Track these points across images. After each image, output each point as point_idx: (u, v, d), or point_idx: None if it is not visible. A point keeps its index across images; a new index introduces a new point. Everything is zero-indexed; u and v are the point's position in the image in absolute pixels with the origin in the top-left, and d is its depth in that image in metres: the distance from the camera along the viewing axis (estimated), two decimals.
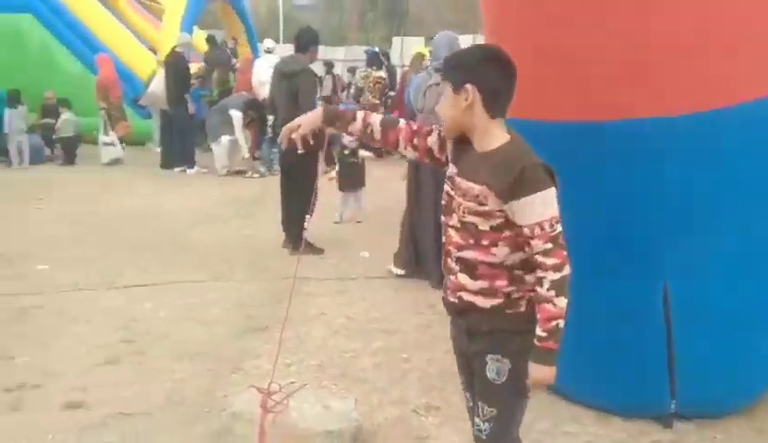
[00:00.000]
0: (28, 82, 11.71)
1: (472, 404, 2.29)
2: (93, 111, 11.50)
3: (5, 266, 5.73)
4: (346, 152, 7.59)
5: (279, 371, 3.22)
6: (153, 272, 5.63)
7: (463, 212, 2.08)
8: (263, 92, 10.57)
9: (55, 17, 13.09)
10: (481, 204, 2.03)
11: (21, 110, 10.90)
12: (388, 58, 14.40)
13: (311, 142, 2.31)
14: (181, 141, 10.80)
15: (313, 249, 6.09)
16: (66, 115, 11.37)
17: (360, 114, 2.32)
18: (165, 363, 3.96)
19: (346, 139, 7.70)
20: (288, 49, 10.14)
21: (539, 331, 2.00)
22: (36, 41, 13.07)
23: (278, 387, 2.96)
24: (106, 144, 11.29)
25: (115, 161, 11.23)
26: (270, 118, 10.27)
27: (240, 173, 10.57)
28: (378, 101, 12.04)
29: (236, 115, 10.21)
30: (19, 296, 4.98)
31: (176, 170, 10.73)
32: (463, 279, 2.11)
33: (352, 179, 7.54)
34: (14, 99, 10.75)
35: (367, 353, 4.12)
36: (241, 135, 10.28)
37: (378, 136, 2.31)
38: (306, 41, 6.27)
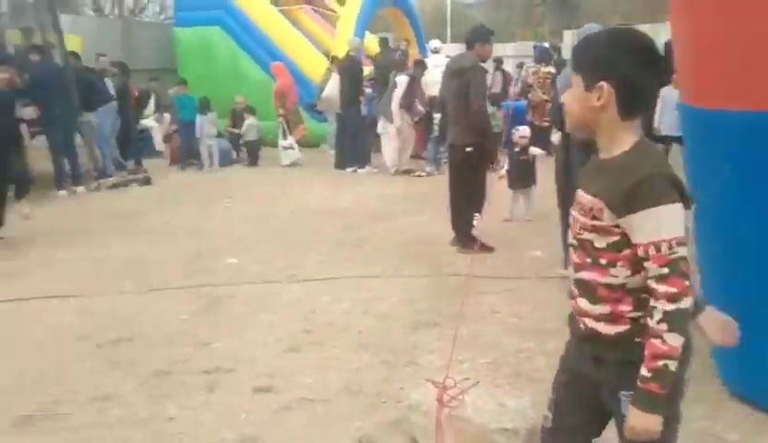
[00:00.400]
0: (217, 90, 12.66)
1: (551, 426, 2.09)
2: (274, 115, 12.23)
3: (198, 260, 6.26)
4: (516, 150, 7.51)
5: (452, 367, 3.26)
6: (329, 267, 5.90)
7: (579, 229, 1.86)
8: (432, 91, 10.74)
9: (241, 29, 14.05)
10: (595, 218, 1.79)
11: (211, 116, 11.78)
12: (559, 52, 14.01)
13: None
14: (353, 142, 11.19)
15: (483, 247, 6.08)
16: (250, 120, 12.20)
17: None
18: (343, 353, 4.14)
19: (516, 137, 7.62)
20: (455, 48, 10.23)
21: (643, 370, 1.71)
22: (224, 52, 14.13)
23: (453, 382, 2.99)
24: (285, 148, 11.99)
25: (294, 164, 11.88)
26: (437, 116, 10.51)
27: (408, 172, 10.80)
28: (546, 98, 11.79)
29: (401, 79, 10.51)
30: (213, 288, 5.42)
31: (348, 170, 11.14)
32: (583, 303, 1.87)
33: (522, 177, 7.45)
34: (205, 106, 11.67)
35: (541, 354, 4.05)
36: (397, 98, 10.48)
37: None
38: (473, 38, 6.30)
